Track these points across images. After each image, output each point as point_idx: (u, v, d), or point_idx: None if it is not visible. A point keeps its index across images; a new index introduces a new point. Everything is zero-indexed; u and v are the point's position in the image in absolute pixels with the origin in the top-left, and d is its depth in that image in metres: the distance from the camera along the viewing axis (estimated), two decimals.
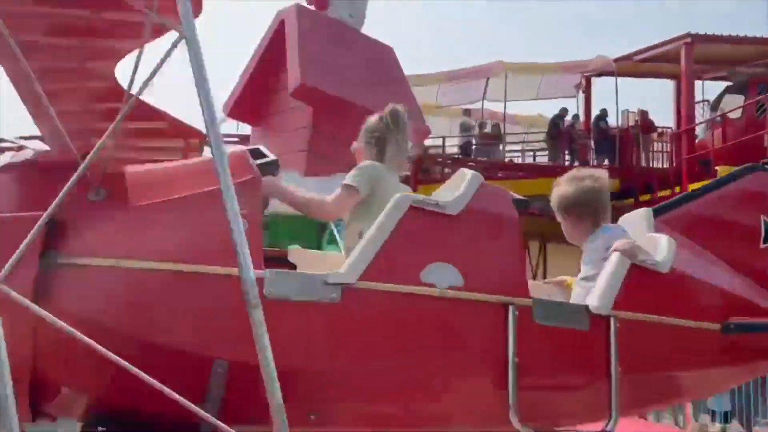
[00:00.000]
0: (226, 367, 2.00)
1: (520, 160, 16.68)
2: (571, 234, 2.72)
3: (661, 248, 2.42)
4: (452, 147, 16.43)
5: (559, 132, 15.35)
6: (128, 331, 1.94)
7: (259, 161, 2.23)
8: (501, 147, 15.91)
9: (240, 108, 8.34)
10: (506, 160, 15.82)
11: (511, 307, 2.05)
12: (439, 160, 15.18)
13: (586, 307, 2.20)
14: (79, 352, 1.83)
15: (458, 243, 2.16)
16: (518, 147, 17.42)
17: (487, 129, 16.26)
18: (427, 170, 14.69)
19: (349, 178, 2.48)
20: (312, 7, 8.10)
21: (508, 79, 15.38)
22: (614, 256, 2.34)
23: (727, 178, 2.87)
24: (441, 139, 15.39)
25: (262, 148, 2.32)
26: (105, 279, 1.98)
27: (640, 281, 2.24)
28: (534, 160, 16.72)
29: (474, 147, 15.98)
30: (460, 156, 15.75)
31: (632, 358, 2.16)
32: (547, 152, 16.19)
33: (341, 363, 2.03)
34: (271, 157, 2.29)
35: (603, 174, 2.74)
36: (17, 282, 1.75)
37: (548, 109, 17.69)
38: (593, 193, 2.64)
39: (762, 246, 2.63)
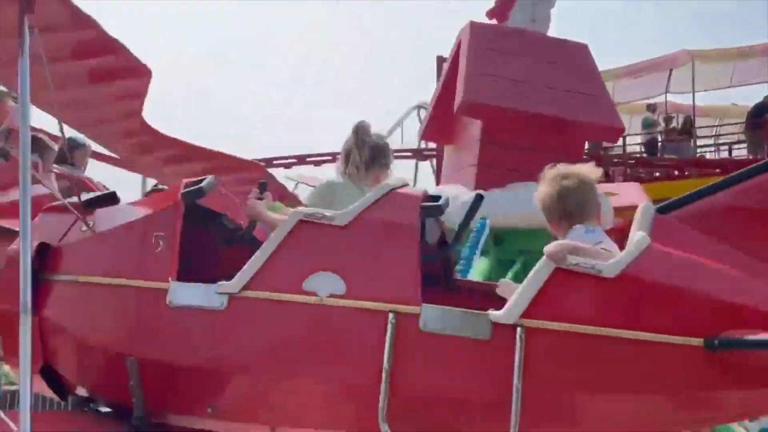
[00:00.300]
0: (136, 363, 2.37)
1: (713, 156, 15.22)
2: (555, 237, 2.45)
3: (626, 249, 2.10)
4: (633, 146, 15.39)
5: (763, 121, 13.77)
6: (77, 332, 2.49)
7: (184, 190, 2.53)
8: (691, 142, 14.63)
9: (431, 130, 8.58)
10: (697, 155, 14.49)
11: (390, 315, 2.04)
12: (616, 160, 14.27)
13: (487, 314, 2.04)
14: (70, 352, 2.52)
15: (343, 252, 2.22)
16: (710, 141, 15.93)
17: (674, 123, 15.04)
18: (606, 172, 13.87)
19: (305, 198, 2.61)
20: (493, 21, 8.06)
21: (695, 68, 14.20)
22: (540, 260, 2.13)
23: None
24: (621, 138, 14.47)
25: (209, 178, 2.60)
26: (68, 291, 2.53)
27: (567, 287, 2.01)
28: (730, 154, 15.18)
29: (660, 144, 14.83)
30: (645, 154, 14.70)
31: (550, 372, 1.96)
32: (745, 145, 14.61)
33: (228, 364, 2.27)
34: (198, 186, 2.56)
35: (582, 170, 2.49)
36: (11, 296, 2.38)
37: (742, 97, 16.03)
38: (565, 193, 2.44)
39: None
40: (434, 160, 14.72)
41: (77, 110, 3.05)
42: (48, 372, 2.64)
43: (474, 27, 7.80)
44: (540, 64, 7.46)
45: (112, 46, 2.57)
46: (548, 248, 2.15)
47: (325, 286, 2.16)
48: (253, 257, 2.29)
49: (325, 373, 2.16)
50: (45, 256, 2.59)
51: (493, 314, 2.04)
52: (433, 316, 2.05)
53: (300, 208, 2.40)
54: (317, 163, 13.98)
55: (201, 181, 2.57)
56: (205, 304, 2.27)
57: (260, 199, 2.64)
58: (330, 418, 2.19)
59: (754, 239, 2.11)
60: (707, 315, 1.99)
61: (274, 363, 2.24)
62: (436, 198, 2.40)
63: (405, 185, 2.45)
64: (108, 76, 2.76)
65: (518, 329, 1.96)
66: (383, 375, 2.01)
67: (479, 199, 2.75)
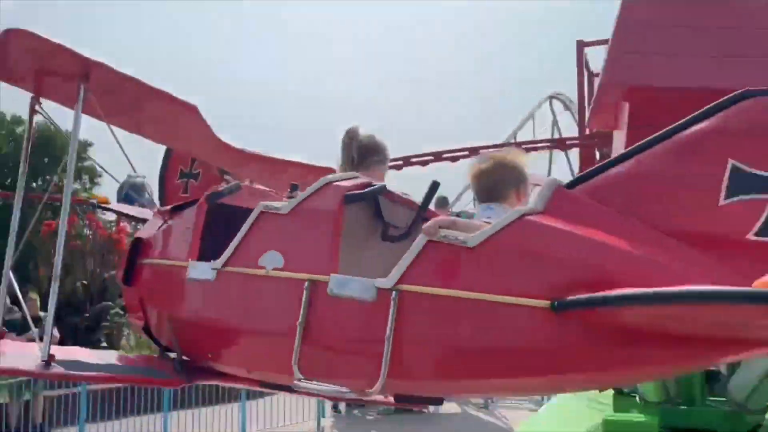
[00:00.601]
0: (171, 321, 3.18)
1: None
2: None
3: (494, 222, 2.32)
4: None
5: None
6: (152, 301, 3.38)
7: (213, 192, 3.29)
8: None
9: (595, 117, 8.44)
10: None
11: (306, 282, 2.50)
12: None
13: (374, 281, 2.38)
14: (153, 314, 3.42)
15: (284, 235, 2.74)
16: None
17: None
18: None
19: None
20: None
21: None
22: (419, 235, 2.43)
23: (692, 120, 2.18)
24: None
25: (231, 184, 3.36)
26: (149, 270, 3.38)
27: (435, 256, 2.28)
28: None
29: None
30: None
31: (416, 329, 2.26)
32: None
33: (216, 321, 2.92)
34: (220, 190, 3.31)
35: (502, 154, 2.77)
36: (119, 274, 3.64)
37: None
38: (480, 175, 2.72)
39: (723, 203, 1.96)
40: (579, 150, 14.10)
41: (172, 143, 4.01)
42: (149, 330, 3.54)
43: (626, 3, 7.32)
44: (712, 32, 6.78)
45: (158, 94, 3.30)
46: (425, 224, 2.43)
47: (270, 262, 2.70)
48: (234, 239, 2.90)
49: (266, 328, 2.72)
50: (139, 247, 3.54)
51: (378, 281, 2.38)
52: (337, 283, 2.47)
53: (263, 202, 2.94)
54: (454, 159, 13.73)
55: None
56: (203, 277, 2.93)
57: (291, 197, 3.08)
58: (269, 362, 2.75)
59: (647, 207, 2.14)
60: (565, 279, 2.06)
61: (238, 320, 2.84)
62: (370, 186, 2.78)
63: (351, 179, 2.83)
64: (164, 116, 3.56)
65: (393, 293, 2.30)
66: (298, 329, 2.49)
67: (435, 185, 2.95)
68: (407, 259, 2.34)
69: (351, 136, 3.08)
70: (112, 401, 11.23)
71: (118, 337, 14.99)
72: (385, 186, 2.82)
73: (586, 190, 2.26)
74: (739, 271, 1.84)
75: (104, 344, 14.20)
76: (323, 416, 12.16)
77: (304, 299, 2.49)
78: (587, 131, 14.99)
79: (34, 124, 3.40)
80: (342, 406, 13.23)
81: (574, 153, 14.20)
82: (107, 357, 3.68)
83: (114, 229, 16.85)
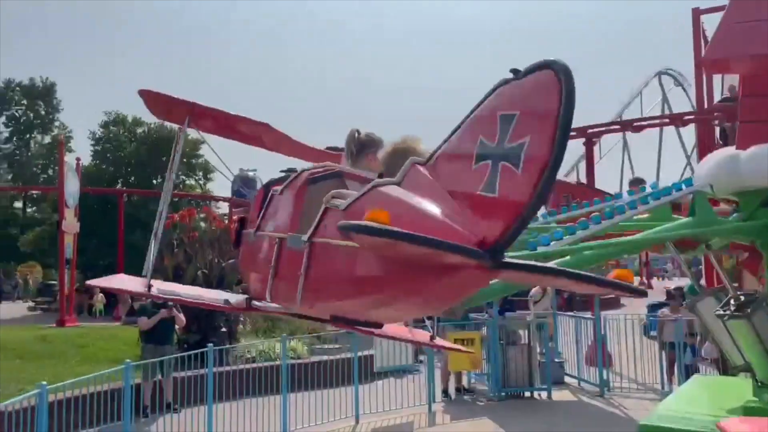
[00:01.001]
0: (242, 269, 4.54)
1: None
2: None
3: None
4: None
5: None
6: (245, 261, 4.30)
7: (269, 180, 4.31)
8: None
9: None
10: None
11: (277, 239, 3.56)
12: None
13: (301, 236, 3.23)
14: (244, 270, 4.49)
15: (276, 209, 3.86)
16: None
17: None
18: None
19: None
20: None
21: None
22: None
23: (477, 104, 2.62)
24: None
25: (281, 175, 4.17)
26: (248, 240, 4.24)
27: (327, 217, 3.12)
28: None
29: None
30: None
31: (315, 267, 3.13)
32: None
33: (252, 268, 4.04)
34: (271, 179, 4.31)
35: (397, 142, 3.38)
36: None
37: None
38: (382, 162, 3.37)
39: (473, 168, 2.51)
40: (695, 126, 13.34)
41: (258, 146, 5.24)
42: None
43: None
44: None
45: (236, 118, 4.68)
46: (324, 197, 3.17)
47: (270, 228, 3.78)
48: (261, 214, 4.02)
49: (264, 269, 3.69)
50: (244, 223, 4.64)
51: (303, 236, 3.22)
52: (289, 239, 3.43)
53: (275, 187, 3.95)
54: None
55: (292, 169, 4.21)
56: (251, 240, 4.06)
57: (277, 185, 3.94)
58: (263, 291, 3.71)
59: (445, 173, 2.68)
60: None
61: (257, 264, 3.91)
62: (327, 170, 3.70)
63: (322, 167, 3.75)
64: (244, 130, 4.87)
65: (308, 243, 3.15)
66: (271, 270, 3.54)
67: (381, 175, 3.44)
68: (317, 219, 3.17)
69: (352, 135, 3.85)
70: (235, 382, 11.88)
71: (236, 322, 15.75)
72: (340, 170, 3.68)
73: (429, 165, 2.80)
74: (473, 219, 2.45)
75: (224, 329, 14.93)
76: (434, 401, 12.27)
77: (275, 251, 3.55)
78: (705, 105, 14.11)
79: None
80: (452, 390, 13.29)
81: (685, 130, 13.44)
82: (200, 291, 5.24)
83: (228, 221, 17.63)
